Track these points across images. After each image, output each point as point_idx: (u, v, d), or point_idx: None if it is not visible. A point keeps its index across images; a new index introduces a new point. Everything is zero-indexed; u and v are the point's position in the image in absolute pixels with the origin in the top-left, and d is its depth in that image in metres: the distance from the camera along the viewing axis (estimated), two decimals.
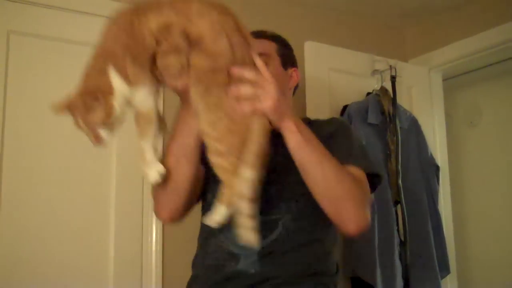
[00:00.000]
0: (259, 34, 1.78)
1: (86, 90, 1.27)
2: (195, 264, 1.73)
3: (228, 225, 1.45)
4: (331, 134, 1.65)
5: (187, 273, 1.73)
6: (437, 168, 3.38)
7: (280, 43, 1.84)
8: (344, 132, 1.73)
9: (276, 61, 1.78)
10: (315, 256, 1.60)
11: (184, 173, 1.52)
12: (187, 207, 1.64)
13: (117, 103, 1.27)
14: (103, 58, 1.29)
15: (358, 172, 1.53)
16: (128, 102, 1.29)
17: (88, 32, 2.67)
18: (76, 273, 2.53)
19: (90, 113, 1.27)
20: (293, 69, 1.86)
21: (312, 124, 1.65)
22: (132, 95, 1.29)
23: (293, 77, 1.85)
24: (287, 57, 1.85)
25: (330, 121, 1.87)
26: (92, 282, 2.57)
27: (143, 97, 1.31)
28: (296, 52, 1.94)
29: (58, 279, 2.48)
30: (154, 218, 2.67)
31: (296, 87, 1.91)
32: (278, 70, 1.76)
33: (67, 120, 2.50)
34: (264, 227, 1.48)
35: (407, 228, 3.07)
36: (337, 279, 1.67)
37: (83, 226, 2.60)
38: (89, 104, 1.26)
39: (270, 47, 1.79)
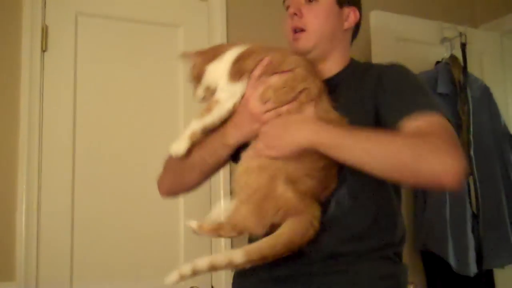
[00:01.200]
0: None
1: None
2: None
3: None
4: (380, 78, 1.52)
5: None
6: (510, 137, 3.26)
7: None
8: (398, 75, 1.54)
9: (331, 1, 1.62)
10: (375, 230, 1.47)
11: (194, 179, 1.63)
12: (189, 191, 1.71)
13: None
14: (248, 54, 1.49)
15: (440, 120, 1.36)
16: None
17: (152, 11, 2.77)
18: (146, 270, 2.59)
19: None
20: (351, 8, 1.66)
21: (355, 72, 1.60)
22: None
23: (350, 17, 1.67)
24: None
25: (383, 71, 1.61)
26: None
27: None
28: (362, 22, 1.74)
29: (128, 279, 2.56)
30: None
31: (357, 30, 1.74)
32: (329, 7, 1.62)
33: (135, 101, 2.61)
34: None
35: (479, 200, 2.99)
36: (401, 249, 1.56)
37: (153, 227, 2.65)
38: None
39: None
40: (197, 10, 2.89)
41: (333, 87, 1.52)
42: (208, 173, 1.62)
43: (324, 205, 1.43)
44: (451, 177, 1.24)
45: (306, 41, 1.60)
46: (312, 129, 1.36)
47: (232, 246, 2.68)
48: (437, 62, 3.22)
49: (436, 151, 1.24)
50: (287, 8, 1.66)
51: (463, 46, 3.21)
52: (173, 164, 1.62)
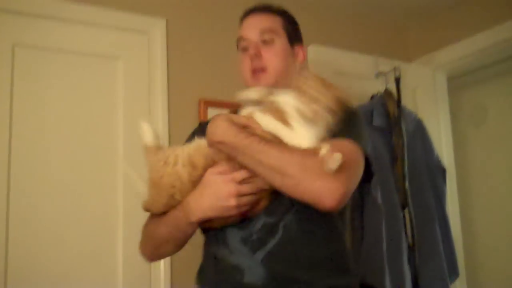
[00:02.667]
0: (265, 8, 1.77)
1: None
2: (199, 278, 1.67)
3: (229, 237, 1.51)
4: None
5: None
6: (443, 170, 3.35)
7: (286, 19, 1.79)
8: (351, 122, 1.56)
9: (282, 37, 1.74)
10: (324, 255, 1.49)
11: (170, 250, 1.64)
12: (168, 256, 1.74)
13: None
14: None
15: (344, 142, 1.42)
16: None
17: (91, 43, 2.72)
18: (84, 281, 2.53)
19: None
20: (299, 46, 1.81)
21: None
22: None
23: (300, 55, 1.80)
24: (293, 34, 1.79)
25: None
26: None
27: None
28: None
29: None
30: None
31: (304, 66, 1.86)
32: (283, 47, 1.73)
33: (72, 130, 2.56)
34: (266, 231, 1.47)
35: (415, 232, 3.05)
36: (354, 280, 1.58)
37: (91, 237, 2.60)
38: None
39: (275, 22, 1.75)
40: (137, 43, 2.86)
41: None
42: (182, 243, 1.61)
43: (271, 228, 1.47)
44: (329, 199, 1.31)
45: (267, 80, 1.68)
46: (224, 128, 1.41)
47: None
48: (373, 96, 3.28)
49: (323, 173, 1.30)
50: (243, 49, 1.75)
51: (397, 80, 3.29)
52: (149, 234, 1.62)
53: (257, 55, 1.69)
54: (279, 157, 1.34)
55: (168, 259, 2.69)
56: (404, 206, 3.08)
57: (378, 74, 3.35)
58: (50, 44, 2.63)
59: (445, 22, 3.68)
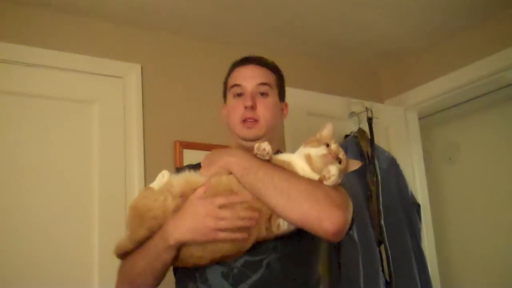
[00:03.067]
0: (262, 62, 1.83)
1: None
2: None
3: (208, 272, 1.50)
4: None
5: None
6: (418, 206, 3.41)
7: (278, 76, 1.86)
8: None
9: (275, 93, 1.81)
10: None
11: (148, 284, 1.57)
12: None
13: None
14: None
15: (344, 190, 1.47)
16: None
17: (67, 88, 2.76)
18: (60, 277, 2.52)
19: None
20: (285, 104, 1.90)
21: None
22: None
23: (284, 111, 1.90)
24: (283, 91, 1.88)
25: None
26: None
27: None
28: None
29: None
30: None
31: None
32: (275, 102, 1.80)
33: (48, 175, 2.56)
34: (248, 267, 1.48)
35: (391, 268, 3.07)
36: None
37: (66, 232, 2.61)
38: None
39: (271, 77, 1.81)
40: (112, 87, 2.90)
41: None
42: (160, 274, 1.55)
43: (254, 265, 1.48)
44: (331, 224, 1.33)
45: (258, 131, 1.74)
46: (241, 153, 1.50)
47: None
48: (346, 136, 3.35)
49: (327, 198, 1.36)
50: (237, 95, 1.79)
51: (370, 120, 3.37)
52: (125, 271, 1.58)
53: (253, 107, 1.73)
54: (288, 180, 1.40)
55: None
56: (380, 242, 3.12)
57: (351, 115, 3.43)
58: (25, 90, 2.66)
59: (415, 64, 3.79)
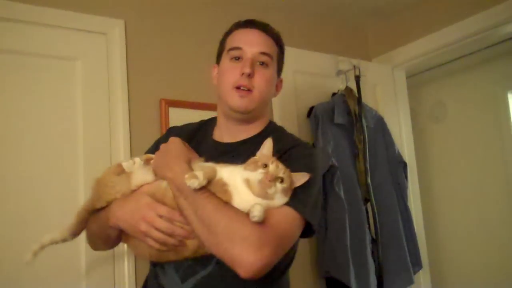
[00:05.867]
0: (267, 30, 1.71)
1: None
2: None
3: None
4: (295, 161, 1.51)
5: None
6: (404, 164, 3.42)
7: (281, 50, 1.75)
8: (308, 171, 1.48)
9: (274, 66, 1.70)
10: None
11: (102, 246, 1.71)
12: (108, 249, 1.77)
13: None
14: None
15: (286, 212, 1.39)
16: None
17: (49, 44, 2.70)
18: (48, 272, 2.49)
19: None
20: (280, 79, 1.78)
21: (270, 135, 1.54)
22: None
23: (278, 87, 1.78)
24: (281, 66, 1.77)
25: (301, 148, 1.64)
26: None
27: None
28: None
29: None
30: None
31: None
32: (273, 75, 1.69)
33: (31, 132, 2.52)
34: (198, 262, 1.47)
35: (378, 226, 3.10)
36: None
37: (50, 191, 2.59)
38: None
39: (274, 49, 1.70)
40: (95, 44, 2.83)
41: (247, 149, 1.54)
42: (109, 242, 1.65)
43: (204, 260, 1.46)
44: (244, 269, 1.28)
45: (250, 102, 1.62)
46: (181, 168, 1.41)
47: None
48: (334, 94, 3.33)
49: (245, 241, 1.29)
50: (234, 58, 1.66)
51: (357, 78, 3.34)
52: (88, 227, 1.65)
53: (251, 75, 1.61)
54: (212, 213, 1.32)
55: (132, 262, 2.70)
56: (366, 200, 3.14)
57: (339, 73, 3.41)
58: (7, 46, 2.59)
59: (403, 22, 3.76)
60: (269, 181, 1.34)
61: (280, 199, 1.37)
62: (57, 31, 2.72)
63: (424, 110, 4.64)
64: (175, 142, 1.54)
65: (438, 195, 4.49)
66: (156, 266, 1.56)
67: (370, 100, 3.49)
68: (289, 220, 1.40)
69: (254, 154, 1.44)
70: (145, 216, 1.43)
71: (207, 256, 1.44)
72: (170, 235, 1.42)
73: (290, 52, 3.18)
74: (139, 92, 2.89)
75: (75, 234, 1.63)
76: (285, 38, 3.21)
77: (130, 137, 2.80)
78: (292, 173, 1.39)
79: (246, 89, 1.61)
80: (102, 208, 1.55)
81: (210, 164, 1.45)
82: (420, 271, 3.40)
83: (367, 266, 2.99)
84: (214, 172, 1.39)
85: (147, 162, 1.55)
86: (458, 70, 4.27)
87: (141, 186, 1.51)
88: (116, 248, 2.38)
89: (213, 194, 1.36)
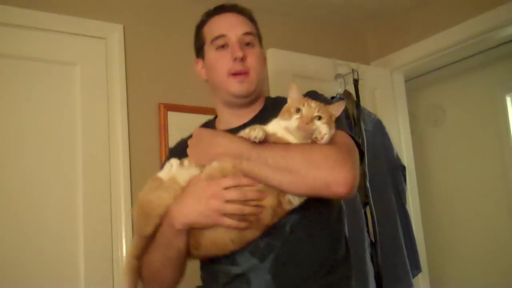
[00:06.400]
0: (240, 10, 1.69)
1: None
2: None
3: (236, 253, 1.44)
4: None
5: None
6: (403, 168, 3.42)
7: (256, 24, 1.73)
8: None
9: (258, 42, 1.69)
10: (328, 255, 1.46)
11: (172, 276, 1.53)
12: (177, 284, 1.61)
13: None
14: None
15: (340, 133, 1.42)
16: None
17: (49, 49, 2.70)
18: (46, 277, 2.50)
19: None
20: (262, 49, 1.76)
21: (275, 106, 1.54)
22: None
23: (265, 58, 1.77)
24: (260, 40, 1.74)
25: (312, 93, 1.66)
26: None
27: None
28: None
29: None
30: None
31: None
32: (261, 53, 1.68)
33: (30, 137, 2.53)
34: (272, 236, 1.42)
35: (377, 229, 3.09)
36: (348, 271, 1.55)
37: (51, 240, 2.57)
38: None
39: (252, 26, 1.69)
40: (94, 48, 2.85)
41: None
42: (179, 263, 1.51)
43: (278, 229, 1.42)
44: (341, 185, 1.30)
45: (250, 85, 1.62)
46: (227, 140, 1.41)
47: None
48: (332, 97, 3.32)
49: (328, 160, 1.31)
50: (220, 47, 1.64)
51: (356, 81, 3.34)
52: (146, 266, 1.52)
53: (243, 59, 1.60)
54: (283, 155, 1.33)
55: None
56: (365, 203, 3.13)
57: (337, 76, 3.40)
58: (5, 51, 2.60)
59: (401, 25, 3.76)
60: (307, 123, 1.34)
61: (327, 139, 1.35)
62: (56, 35, 2.73)
63: (423, 113, 4.64)
64: (200, 130, 1.53)
65: (437, 199, 4.49)
66: (221, 263, 1.48)
67: (368, 104, 3.48)
68: (348, 139, 1.45)
69: None
70: (212, 194, 1.36)
71: (279, 226, 1.41)
72: (244, 202, 1.36)
73: (288, 56, 3.25)
74: (138, 96, 2.90)
75: None
76: (283, 42, 3.23)
77: (129, 141, 2.80)
78: (329, 105, 1.40)
79: (242, 73, 1.60)
80: (153, 234, 1.46)
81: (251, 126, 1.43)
82: (419, 274, 3.39)
83: (366, 270, 2.97)
84: (262, 126, 1.40)
85: (181, 164, 1.49)
86: (457, 73, 4.28)
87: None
88: (114, 254, 2.40)
89: (271, 142, 1.37)
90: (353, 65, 3.41)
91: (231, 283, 1.46)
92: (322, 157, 1.32)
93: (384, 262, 3.08)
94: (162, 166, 1.66)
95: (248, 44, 1.63)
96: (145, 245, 1.48)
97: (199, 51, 1.75)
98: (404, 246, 3.24)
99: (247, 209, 1.35)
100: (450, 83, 4.46)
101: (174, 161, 1.49)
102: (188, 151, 1.50)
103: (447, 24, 3.41)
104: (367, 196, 3.13)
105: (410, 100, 3.99)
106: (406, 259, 3.22)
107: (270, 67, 3.09)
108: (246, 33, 1.63)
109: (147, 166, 2.76)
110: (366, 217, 3.12)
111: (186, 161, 1.48)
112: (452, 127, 4.46)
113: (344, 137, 1.43)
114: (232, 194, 1.35)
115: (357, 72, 3.37)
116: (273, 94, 3.05)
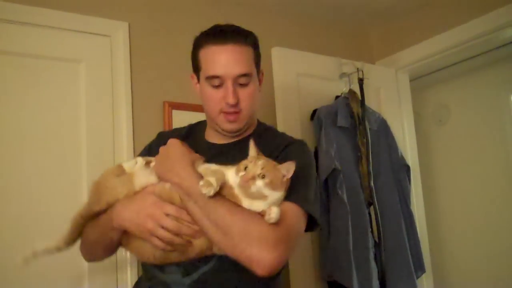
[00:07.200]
0: (240, 38, 1.63)
1: None
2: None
3: None
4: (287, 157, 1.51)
5: None
6: (407, 168, 3.41)
7: (255, 46, 1.69)
8: (305, 167, 1.55)
9: (255, 74, 1.67)
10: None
11: (101, 254, 1.68)
12: (104, 259, 1.71)
13: None
14: None
15: (292, 209, 1.42)
16: None
17: (54, 46, 2.70)
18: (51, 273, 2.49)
19: None
20: (261, 73, 1.75)
21: (263, 135, 1.63)
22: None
23: (261, 79, 1.76)
24: (259, 62, 1.72)
25: (296, 145, 1.67)
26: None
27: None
28: (263, 58, 1.78)
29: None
30: None
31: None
32: (256, 87, 1.67)
33: (35, 134, 2.52)
34: (200, 259, 1.47)
35: (381, 229, 3.08)
36: None
37: (54, 192, 2.60)
38: None
39: (249, 57, 1.64)
40: (99, 45, 2.84)
41: (241, 150, 1.54)
42: (109, 248, 1.62)
43: (206, 257, 1.47)
44: (262, 268, 1.31)
45: (240, 123, 1.66)
46: (187, 171, 1.42)
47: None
48: (337, 96, 3.32)
49: (261, 240, 1.32)
50: (217, 85, 1.62)
51: (361, 81, 3.33)
52: (84, 236, 1.61)
53: (237, 103, 1.61)
54: (225, 216, 1.34)
55: (134, 271, 2.69)
56: (369, 203, 3.13)
57: (342, 75, 3.40)
58: (11, 48, 2.60)
59: (406, 24, 3.75)
60: (245, 181, 1.34)
61: (272, 194, 1.36)
62: (61, 33, 2.73)
63: (428, 113, 4.63)
64: (175, 145, 1.52)
65: (441, 199, 4.48)
66: (155, 268, 1.55)
67: (373, 103, 3.48)
68: (296, 216, 1.43)
69: (247, 154, 1.44)
70: (152, 215, 1.41)
71: (210, 255, 1.46)
72: (177, 234, 1.41)
73: (293, 55, 3.24)
74: (143, 94, 2.90)
75: (70, 243, 1.60)
76: (288, 40, 3.22)
77: (133, 140, 2.81)
78: (279, 165, 1.38)
79: (234, 113, 1.63)
80: (100, 213, 1.54)
81: (216, 167, 1.45)
82: (423, 275, 3.39)
83: (370, 270, 2.97)
84: (224, 176, 1.39)
85: (146, 165, 1.54)
86: (462, 73, 4.26)
87: (145, 187, 1.50)
88: (118, 257, 2.40)
89: (223, 197, 1.37)
90: (358, 64, 3.40)
91: (157, 286, 1.54)
92: (258, 235, 1.32)
93: (388, 262, 3.08)
94: (145, 147, 1.85)
95: (242, 85, 1.63)
96: (91, 215, 1.57)
97: (195, 70, 1.72)
98: (408, 247, 3.23)
99: (176, 240, 1.42)
100: (455, 83, 4.45)
101: (140, 160, 1.56)
102: (155, 158, 1.53)
103: (452, 24, 3.40)
104: (371, 196, 3.12)
105: (415, 99, 3.97)
106: (410, 259, 3.22)
107: (275, 66, 3.10)
108: (242, 75, 1.61)
109: None
110: (370, 217, 3.12)
111: (153, 163, 1.53)
112: (456, 126, 4.44)
113: (291, 213, 1.41)
114: (168, 223, 1.41)
115: (362, 71, 3.36)
116: (277, 93, 3.06)
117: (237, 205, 1.37)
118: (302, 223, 1.46)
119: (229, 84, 1.60)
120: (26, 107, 2.60)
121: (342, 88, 3.36)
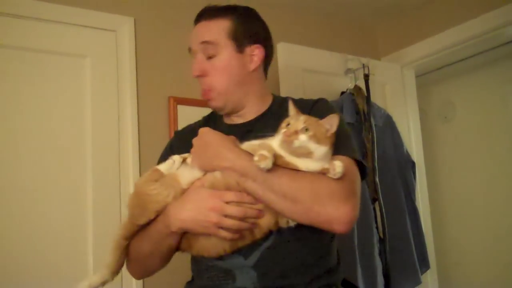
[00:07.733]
0: (211, 13, 1.62)
1: None
2: (188, 286, 1.66)
3: None
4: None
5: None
6: (413, 164, 3.40)
7: (236, 18, 1.61)
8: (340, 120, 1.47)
9: (227, 47, 1.59)
10: (315, 257, 1.48)
11: (157, 264, 1.58)
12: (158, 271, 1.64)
13: None
14: None
15: (346, 161, 1.38)
16: None
17: (59, 41, 2.70)
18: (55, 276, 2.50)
19: None
20: (253, 46, 1.63)
21: (283, 104, 1.54)
22: None
23: (255, 56, 1.63)
24: (244, 35, 1.61)
25: (316, 102, 1.64)
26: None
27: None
28: None
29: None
30: None
31: (268, 62, 1.72)
32: (227, 60, 1.59)
33: (40, 129, 2.53)
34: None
35: (385, 225, 3.08)
36: (338, 276, 1.56)
37: (61, 236, 2.57)
38: None
39: (220, 30, 1.59)
40: (105, 40, 2.84)
41: (264, 124, 1.55)
42: (167, 256, 1.55)
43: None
44: (341, 224, 1.32)
45: (216, 102, 1.62)
46: (235, 153, 1.39)
47: None
48: (342, 92, 3.32)
49: (333, 197, 1.32)
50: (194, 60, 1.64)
51: (366, 77, 3.33)
52: (134, 251, 1.54)
53: (203, 75, 1.60)
54: (290, 184, 1.32)
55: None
56: (374, 199, 3.12)
57: (348, 71, 3.39)
58: (16, 43, 2.60)
59: (412, 20, 3.74)
60: (288, 136, 1.32)
61: (318, 149, 1.33)
62: (66, 28, 2.72)
63: (433, 109, 4.62)
64: (209, 132, 1.47)
65: (446, 195, 4.47)
66: (210, 258, 1.49)
67: (379, 99, 3.47)
68: (353, 167, 1.44)
69: (271, 127, 1.41)
70: (213, 207, 1.36)
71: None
72: (243, 219, 1.37)
73: (298, 50, 3.24)
74: (148, 89, 2.90)
75: (117, 271, 1.50)
76: (294, 36, 3.21)
77: (139, 135, 2.81)
78: (321, 120, 1.36)
79: (207, 90, 1.61)
80: (147, 224, 1.47)
81: (259, 141, 1.42)
82: (428, 271, 3.39)
83: (375, 266, 2.98)
84: (271, 147, 1.37)
85: (183, 161, 1.49)
86: (468, 69, 4.24)
87: (192, 183, 1.44)
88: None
89: (280, 166, 1.34)
90: (364, 60, 3.40)
91: (218, 277, 1.49)
92: (328, 193, 1.32)
93: (392, 258, 3.07)
94: (165, 149, 1.75)
95: (209, 56, 1.59)
96: (136, 231, 1.50)
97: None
98: (412, 243, 3.23)
99: (244, 226, 1.38)
100: (461, 79, 4.43)
101: (177, 158, 1.49)
102: (192, 152, 1.47)
103: (458, 20, 3.39)
104: (376, 192, 3.12)
105: (421, 96, 3.97)
106: (415, 255, 3.22)
107: (280, 62, 3.09)
108: (203, 42, 1.59)
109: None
110: (375, 213, 3.12)
111: (189, 159, 1.47)
112: (462, 123, 4.43)
113: (349, 166, 1.40)
114: (233, 210, 1.36)
115: (368, 67, 3.36)
116: (282, 88, 3.06)
117: (297, 171, 1.34)
118: (358, 173, 1.46)
119: (197, 56, 1.61)
120: (31, 102, 2.60)
121: (347, 84, 3.36)
